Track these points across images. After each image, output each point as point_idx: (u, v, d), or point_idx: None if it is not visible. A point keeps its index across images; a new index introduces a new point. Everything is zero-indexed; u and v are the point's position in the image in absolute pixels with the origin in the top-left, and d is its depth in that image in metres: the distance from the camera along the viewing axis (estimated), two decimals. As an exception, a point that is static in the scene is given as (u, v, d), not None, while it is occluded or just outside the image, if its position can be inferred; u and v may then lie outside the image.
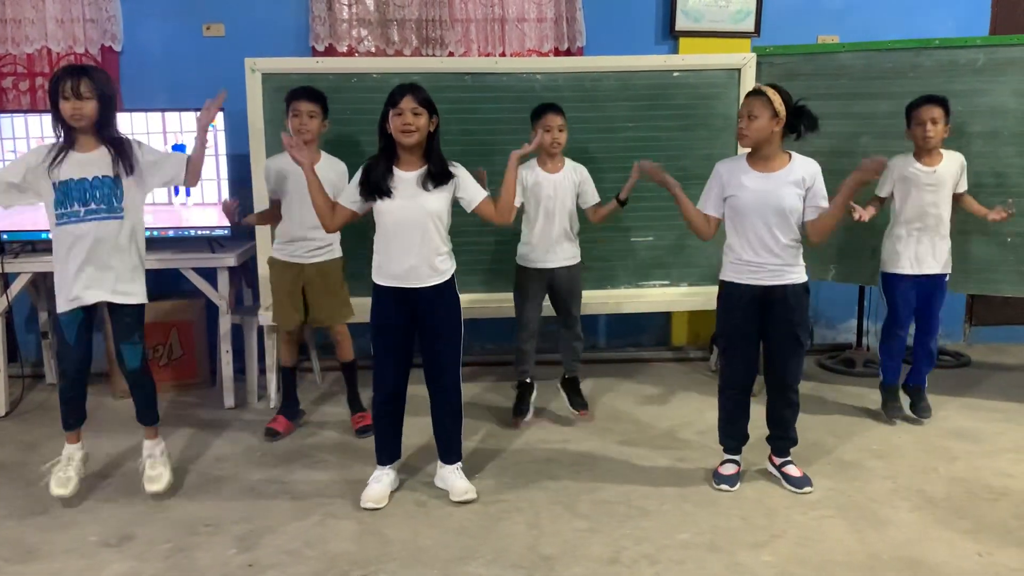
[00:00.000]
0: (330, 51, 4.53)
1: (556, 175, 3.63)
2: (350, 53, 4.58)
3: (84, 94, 2.82)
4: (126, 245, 2.98)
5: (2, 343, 4.06)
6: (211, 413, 4.03)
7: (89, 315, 3.00)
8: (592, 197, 3.73)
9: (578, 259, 3.74)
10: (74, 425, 3.09)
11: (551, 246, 3.65)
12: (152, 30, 4.50)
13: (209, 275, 4.05)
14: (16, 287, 4.01)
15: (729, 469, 3.22)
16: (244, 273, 4.33)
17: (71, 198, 2.89)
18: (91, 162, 2.91)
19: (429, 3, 4.56)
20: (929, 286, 3.71)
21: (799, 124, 3.00)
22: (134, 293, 3.02)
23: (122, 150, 2.94)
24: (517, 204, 3.53)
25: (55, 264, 2.97)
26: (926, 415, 3.80)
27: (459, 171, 3.02)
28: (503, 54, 4.62)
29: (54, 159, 2.88)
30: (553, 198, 3.62)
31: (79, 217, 2.90)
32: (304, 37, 4.54)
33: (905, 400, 3.88)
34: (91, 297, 2.95)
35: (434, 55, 4.57)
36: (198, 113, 3.11)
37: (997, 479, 3.23)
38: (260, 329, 4.11)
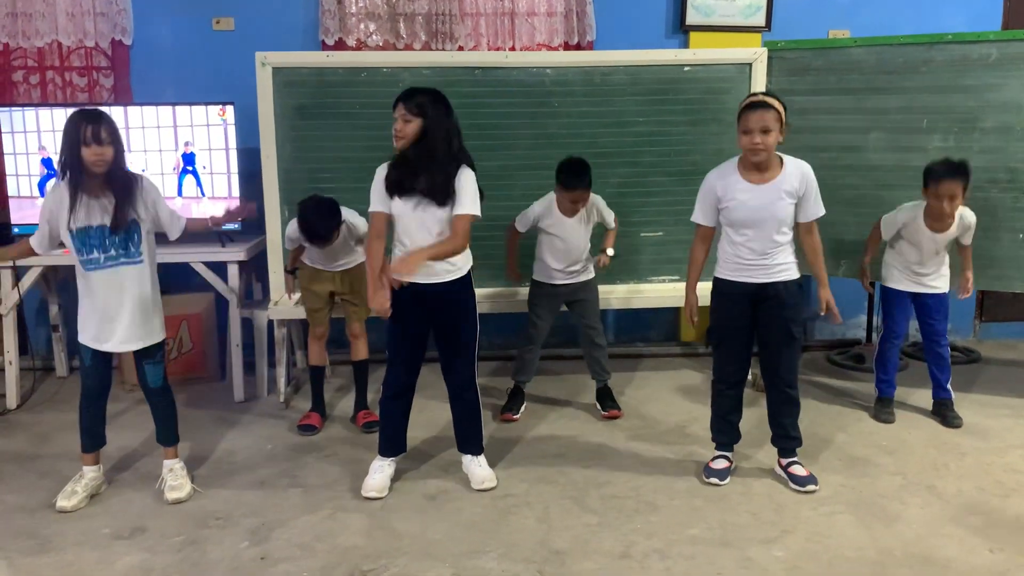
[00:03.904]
0: (339, 45, 4.53)
1: (573, 218, 3.68)
2: (359, 47, 4.58)
3: (105, 140, 2.79)
4: (146, 289, 2.98)
5: (14, 336, 4.07)
6: (221, 407, 4.05)
7: None
8: (609, 221, 3.80)
9: (592, 275, 3.81)
10: (90, 447, 3.09)
11: (568, 270, 3.73)
12: (162, 24, 4.50)
13: (219, 269, 4.06)
14: (27, 281, 4.02)
15: (720, 464, 3.22)
16: (254, 267, 4.34)
17: (89, 245, 2.88)
18: (105, 208, 2.88)
19: (438, -3, 4.57)
20: (928, 299, 3.70)
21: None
22: (154, 332, 3.03)
23: (124, 199, 2.88)
24: (523, 230, 3.75)
25: (81, 300, 2.97)
26: (957, 424, 3.71)
27: (463, 175, 2.93)
28: (513, 48, 4.61)
29: (71, 207, 2.84)
30: (570, 237, 3.69)
31: (99, 264, 2.90)
32: (313, 31, 4.54)
33: (925, 410, 3.88)
34: (118, 346, 2.97)
35: (443, 49, 4.57)
36: (228, 208, 3.19)
37: (1007, 475, 3.22)
38: (270, 324, 4.12)
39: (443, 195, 2.90)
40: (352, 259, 3.69)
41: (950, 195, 3.42)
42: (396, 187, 2.94)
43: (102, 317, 2.93)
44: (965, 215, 3.59)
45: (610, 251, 3.79)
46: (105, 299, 2.92)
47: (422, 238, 2.93)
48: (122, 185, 2.88)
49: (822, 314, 3.09)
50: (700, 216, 3.14)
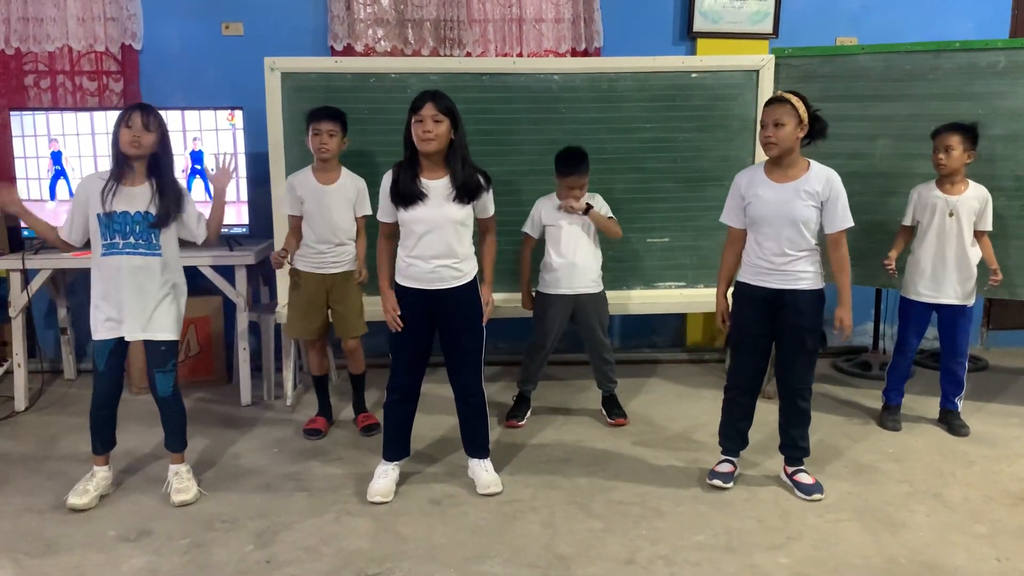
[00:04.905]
0: (348, 51, 4.55)
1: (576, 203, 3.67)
2: (367, 53, 4.60)
3: (136, 125, 2.89)
4: (162, 281, 3.02)
5: (22, 339, 4.09)
6: (228, 410, 4.06)
7: (120, 344, 3.03)
8: (606, 213, 3.79)
9: (600, 288, 3.78)
10: (101, 450, 3.12)
11: (576, 274, 3.70)
12: (172, 29, 4.53)
13: (227, 273, 4.08)
14: (36, 283, 4.04)
15: (724, 467, 3.22)
16: (262, 271, 4.36)
17: (113, 230, 2.94)
18: (137, 196, 2.97)
19: (447, 3, 4.58)
20: (950, 314, 3.68)
21: (815, 130, 2.99)
22: (167, 329, 3.05)
23: (164, 195, 2.99)
24: (535, 234, 3.76)
25: (93, 293, 3.01)
26: (964, 432, 3.72)
27: (488, 192, 3.09)
28: (520, 54, 4.63)
29: (106, 191, 2.93)
30: (577, 233, 3.69)
31: (117, 249, 2.95)
32: (322, 36, 4.57)
33: (936, 421, 3.87)
34: (126, 332, 3.00)
35: (451, 55, 4.58)
36: (213, 174, 3.23)
37: (1015, 484, 3.21)
38: (277, 327, 4.13)
39: (470, 195, 2.99)
40: (343, 257, 3.60)
41: (945, 145, 3.54)
42: (402, 198, 2.98)
43: (115, 303, 2.97)
44: (981, 189, 3.62)
45: (587, 203, 3.68)
46: (119, 283, 2.96)
47: (437, 240, 2.97)
48: (169, 184, 3.01)
49: (835, 332, 3.09)
50: (727, 216, 3.19)
